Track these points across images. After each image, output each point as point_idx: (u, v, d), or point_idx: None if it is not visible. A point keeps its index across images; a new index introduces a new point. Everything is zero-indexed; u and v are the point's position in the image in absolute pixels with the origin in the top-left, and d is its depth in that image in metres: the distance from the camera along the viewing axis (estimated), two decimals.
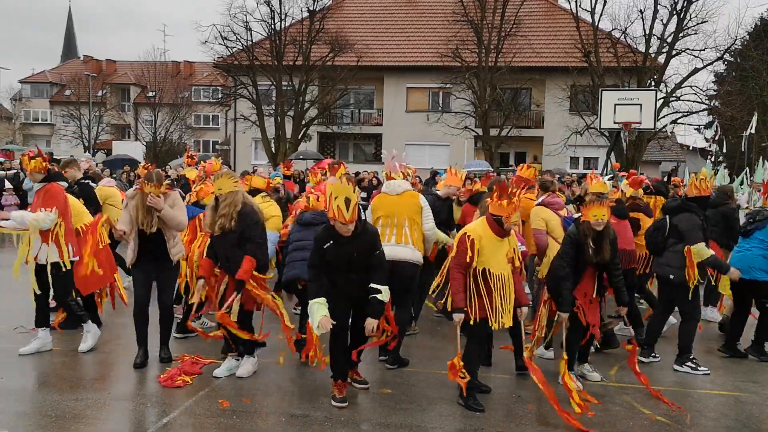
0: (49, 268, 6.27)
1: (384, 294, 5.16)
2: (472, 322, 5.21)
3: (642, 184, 8.01)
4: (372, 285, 5.15)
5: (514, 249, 5.35)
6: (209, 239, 5.95)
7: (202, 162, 7.99)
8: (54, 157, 21.21)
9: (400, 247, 6.11)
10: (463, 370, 5.16)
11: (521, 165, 8.17)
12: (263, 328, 6.02)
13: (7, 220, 6.22)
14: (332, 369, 5.41)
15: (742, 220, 7.49)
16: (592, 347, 6.27)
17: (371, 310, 5.17)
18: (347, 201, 4.93)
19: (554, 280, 5.81)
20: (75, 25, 73.47)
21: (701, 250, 6.24)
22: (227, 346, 6.17)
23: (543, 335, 6.11)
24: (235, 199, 5.61)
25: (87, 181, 8.34)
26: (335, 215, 4.97)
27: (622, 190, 7.90)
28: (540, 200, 7.19)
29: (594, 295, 5.83)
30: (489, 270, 5.17)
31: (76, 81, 47.85)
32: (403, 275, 6.08)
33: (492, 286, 5.19)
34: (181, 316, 7.16)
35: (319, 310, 5.04)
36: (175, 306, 7.04)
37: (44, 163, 6.36)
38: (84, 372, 5.98)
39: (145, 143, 41.34)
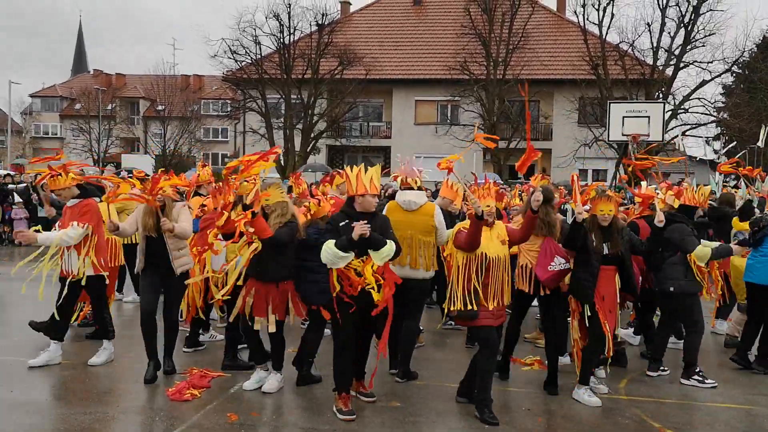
0: (84, 281, 6.29)
1: (389, 246, 5.16)
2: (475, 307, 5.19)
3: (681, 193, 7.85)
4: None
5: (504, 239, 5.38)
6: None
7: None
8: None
9: (411, 271, 6.08)
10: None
11: (536, 176, 8.12)
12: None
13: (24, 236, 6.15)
14: (336, 381, 5.38)
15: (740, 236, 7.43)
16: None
17: (373, 239, 5.11)
18: (375, 176, 5.21)
19: (572, 277, 5.81)
20: (85, 39, 73.98)
21: (702, 252, 6.24)
22: (229, 353, 6.27)
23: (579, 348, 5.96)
24: (287, 209, 5.61)
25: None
26: (366, 189, 5.14)
27: (667, 203, 7.79)
28: None
29: (615, 302, 5.77)
30: (485, 254, 5.19)
31: (86, 95, 48.31)
32: (413, 289, 6.08)
33: (490, 270, 5.19)
34: (188, 330, 7.18)
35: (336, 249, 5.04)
36: (181, 320, 7.05)
37: (74, 178, 6.32)
38: (93, 385, 5.98)
39: (154, 156, 41.59)
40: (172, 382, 5.93)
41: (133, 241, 7.53)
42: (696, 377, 6.35)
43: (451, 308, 5.27)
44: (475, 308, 5.17)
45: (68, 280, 6.32)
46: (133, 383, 5.99)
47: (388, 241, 5.19)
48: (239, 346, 6.58)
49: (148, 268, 6.13)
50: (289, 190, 11.34)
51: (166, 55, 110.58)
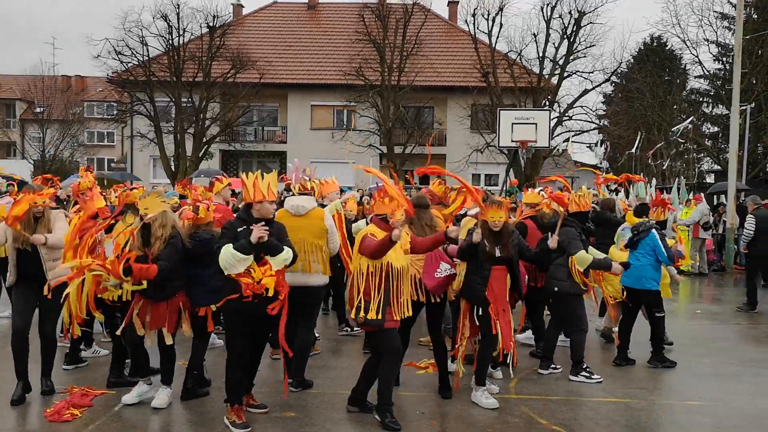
0: None
1: (286, 252, 5.07)
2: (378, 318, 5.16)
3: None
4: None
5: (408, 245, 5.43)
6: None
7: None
8: None
9: (306, 276, 6.03)
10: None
11: (433, 181, 8.18)
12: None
13: None
14: (228, 392, 5.22)
15: (627, 232, 7.87)
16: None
17: (270, 244, 5.00)
18: (272, 182, 5.13)
19: (464, 280, 5.92)
20: None
21: (582, 257, 6.54)
22: (115, 369, 5.99)
23: (465, 348, 6.10)
24: (168, 220, 5.41)
25: None
26: (264, 195, 5.03)
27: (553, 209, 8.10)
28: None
29: (506, 300, 5.89)
30: (391, 264, 5.18)
31: None
32: (307, 296, 6.02)
33: (393, 280, 5.20)
34: (69, 344, 6.75)
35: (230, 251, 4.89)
36: (60, 335, 6.63)
37: None
38: None
39: (32, 161, 39.03)
40: (50, 403, 5.55)
41: (4, 254, 6.97)
42: (584, 374, 6.66)
43: (360, 315, 5.19)
44: (380, 317, 5.14)
45: None
46: (5, 405, 5.56)
47: (285, 247, 5.10)
48: (126, 361, 6.24)
49: (20, 282, 5.70)
50: (182, 197, 10.95)
51: (45, 54, 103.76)
